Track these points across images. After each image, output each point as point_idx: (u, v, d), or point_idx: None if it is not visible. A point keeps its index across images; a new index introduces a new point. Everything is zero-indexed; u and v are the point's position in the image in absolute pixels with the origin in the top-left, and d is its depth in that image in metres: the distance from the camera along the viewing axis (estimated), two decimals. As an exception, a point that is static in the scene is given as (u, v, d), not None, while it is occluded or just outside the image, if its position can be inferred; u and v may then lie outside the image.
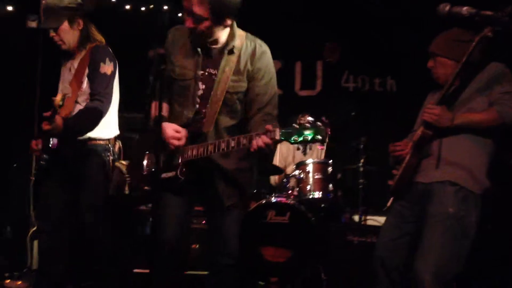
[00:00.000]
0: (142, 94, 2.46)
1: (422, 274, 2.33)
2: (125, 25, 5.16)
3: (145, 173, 2.46)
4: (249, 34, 2.45)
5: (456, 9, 2.27)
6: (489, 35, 2.24)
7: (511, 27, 2.16)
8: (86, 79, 2.95)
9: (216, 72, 2.37)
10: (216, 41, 2.38)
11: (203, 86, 2.39)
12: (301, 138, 2.02)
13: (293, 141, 2.03)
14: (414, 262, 2.41)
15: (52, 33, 2.90)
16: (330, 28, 5.57)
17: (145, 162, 2.47)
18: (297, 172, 4.22)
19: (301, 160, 4.78)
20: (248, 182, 2.50)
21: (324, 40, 5.73)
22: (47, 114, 2.76)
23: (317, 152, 5.07)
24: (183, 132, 2.34)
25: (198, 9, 2.21)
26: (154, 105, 2.30)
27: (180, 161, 2.33)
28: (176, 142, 2.32)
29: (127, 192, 2.62)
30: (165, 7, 5.40)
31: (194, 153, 2.30)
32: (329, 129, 2.03)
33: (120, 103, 3.14)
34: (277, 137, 2.07)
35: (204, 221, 3.98)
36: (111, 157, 3.02)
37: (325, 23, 5.54)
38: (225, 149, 2.20)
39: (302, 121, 5.30)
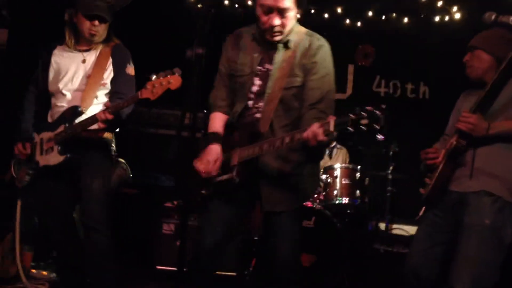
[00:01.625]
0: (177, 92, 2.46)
1: (458, 286, 2.29)
2: (158, 21, 5.17)
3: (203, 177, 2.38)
4: (308, 30, 2.42)
5: (503, 19, 2.21)
6: None
7: None
8: (109, 75, 2.93)
9: (271, 67, 2.33)
10: (286, 35, 2.34)
11: (260, 82, 2.35)
12: (358, 128, 1.86)
13: (349, 132, 1.89)
14: (450, 273, 2.37)
15: (100, 24, 2.87)
16: (362, 32, 5.50)
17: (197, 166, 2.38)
18: (324, 176, 4.17)
19: (326, 163, 4.75)
20: (302, 186, 2.37)
21: (356, 43, 5.66)
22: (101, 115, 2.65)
23: (343, 156, 5.01)
24: (217, 162, 2.29)
25: (288, 6, 2.23)
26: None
27: (235, 162, 2.28)
28: (204, 175, 2.29)
29: None
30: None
31: (249, 152, 2.23)
32: (388, 116, 1.85)
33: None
34: (331, 128, 1.93)
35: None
36: (114, 151, 2.98)
37: (358, 27, 5.48)
38: (280, 145, 2.11)
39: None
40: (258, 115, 2.32)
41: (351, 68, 5.72)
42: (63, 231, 2.95)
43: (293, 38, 2.34)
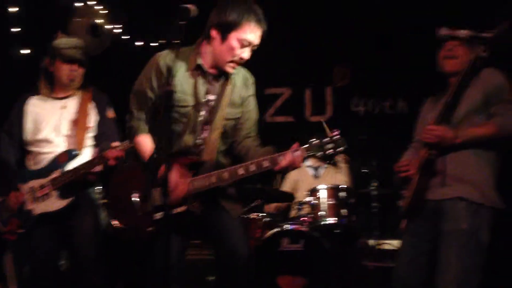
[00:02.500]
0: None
1: None
2: (137, 61, 5.27)
3: (140, 213, 2.33)
4: (239, 66, 2.50)
5: (455, 33, 2.31)
6: (483, 55, 2.27)
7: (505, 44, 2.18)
8: (94, 119, 3.02)
9: (214, 98, 2.43)
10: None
11: (204, 113, 2.41)
12: (324, 152, 2.14)
13: (319, 156, 2.12)
14: (434, 281, 2.42)
15: (78, 68, 2.98)
16: (338, 53, 5.63)
17: (134, 201, 2.34)
18: (309, 198, 4.22)
19: (312, 184, 4.80)
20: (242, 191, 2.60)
21: (332, 64, 5.79)
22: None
23: (331, 175, 5.04)
24: (187, 180, 2.28)
25: (258, 40, 2.38)
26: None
27: (187, 194, 2.26)
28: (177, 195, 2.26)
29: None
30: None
31: (205, 183, 2.25)
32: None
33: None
34: (305, 154, 2.16)
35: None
36: (100, 192, 3.05)
37: (333, 48, 5.62)
38: (245, 173, 2.21)
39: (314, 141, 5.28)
40: (202, 146, 2.40)
41: (329, 90, 5.83)
42: (52, 278, 2.95)
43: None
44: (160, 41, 5.53)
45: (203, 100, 2.41)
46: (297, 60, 5.66)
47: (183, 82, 2.38)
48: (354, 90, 5.77)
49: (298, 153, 2.16)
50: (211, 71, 2.43)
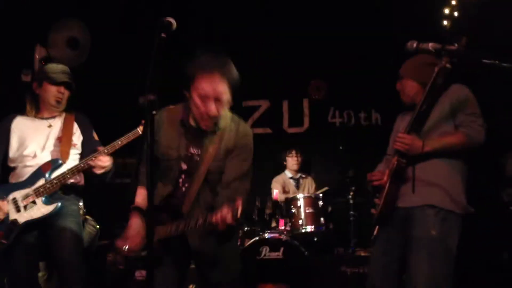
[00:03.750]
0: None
1: None
2: (114, 72, 5.31)
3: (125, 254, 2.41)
4: (234, 116, 2.48)
5: (423, 46, 2.44)
6: (447, 66, 2.40)
7: (467, 59, 2.32)
8: (79, 138, 3.11)
9: (199, 151, 2.39)
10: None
11: (185, 167, 2.41)
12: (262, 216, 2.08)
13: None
14: (405, 287, 2.49)
15: (65, 90, 3.08)
16: (314, 66, 5.78)
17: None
18: (289, 207, 4.31)
19: (294, 193, 4.93)
20: (224, 267, 2.46)
21: (309, 78, 5.94)
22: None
23: (310, 184, 5.23)
24: (138, 237, 2.33)
25: (225, 96, 2.29)
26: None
27: (155, 239, 2.26)
28: (124, 253, 2.32)
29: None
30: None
31: (166, 231, 2.31)
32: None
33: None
34: (239, 214, 2.10)
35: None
36: (83, 209, 3.09)
37: (309, 62, 5.76)
38: (194, 226, 2.22)
39: (289, 156, 5.38)
40: (182, 197, 2.39)
41: (306, 102, 5.98)
42: None
43: (221, 123, 2.39)
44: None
45: (184, 153, 2.41)
46: (275, 73, 5.78)
47: (169, 136, 2.43)
48: (331, 102, 5.93)
49: (224, 213, 2.12)
50: (196, 125, 2.41)
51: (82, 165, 2.89)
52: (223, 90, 2.28)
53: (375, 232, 2.77)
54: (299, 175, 5.31)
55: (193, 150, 2.41)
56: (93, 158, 2.87)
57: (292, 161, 5.29)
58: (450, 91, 2.64)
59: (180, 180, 2.42)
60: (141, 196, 2.46)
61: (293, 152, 5.29)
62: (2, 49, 4.24)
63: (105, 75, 5.17)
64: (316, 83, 5.98)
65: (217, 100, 2.28)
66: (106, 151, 2.87)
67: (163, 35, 2.14)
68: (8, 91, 3.23)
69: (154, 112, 1.98)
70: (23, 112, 3.12)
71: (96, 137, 3.18)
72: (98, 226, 3.37)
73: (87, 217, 3.24)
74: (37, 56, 4.26)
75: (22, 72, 3.15)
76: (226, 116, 2.42)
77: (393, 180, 2.61)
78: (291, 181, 5.30)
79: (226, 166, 2.39)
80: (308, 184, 5.27)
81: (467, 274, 3.41)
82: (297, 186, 5.24)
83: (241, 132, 2.43)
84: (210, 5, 5.54)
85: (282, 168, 5.41)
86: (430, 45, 2.41)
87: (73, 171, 2.90)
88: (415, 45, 2.45)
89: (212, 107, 2.28)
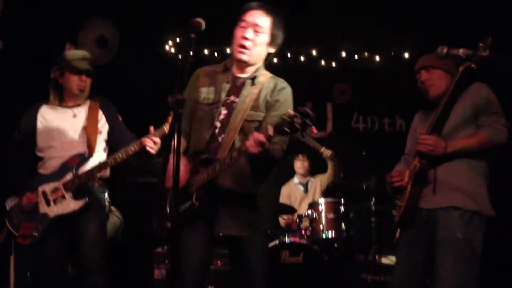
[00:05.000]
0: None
1: None
2: (142, 73, 5.38)
3: (169, 212, 2.47)
4: (273, 75, 2.56)
5: (454, 51, 2.41)
6: (472, 66, 2.37)
7: (496, 64, 2.29)
8: (104, 125, 3.12)
9: (237, 100, 2.46)
10: (251, 67, 2.48)
11: (225, 111, 2.46)
12: (292, 127, 2.05)
13: (286, 131, 2.05)
14: None
15: (86, 78, 3.09)
16: (338, 70, 5.75)
17: (168, 202, 2.48)
18: (309, 212, 4.28)
19: (303, 198, 4.88)
20: (256, 209, 2.43)
21: (333, 82, 5.91)
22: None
23: (319, 183, 5.12)
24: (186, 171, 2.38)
25: (265, 28, 2.42)
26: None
27: (194, 188, 2.37)
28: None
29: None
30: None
31: (204, 176, 2.34)
32: (311, 107, 2.06)
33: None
34: (270, 132, 2.11)
35: (219, 263, 4.03)
36: (108, 200, 3.10)
37: (333, 66, 5.73)
38: (230, 161, 2.24)
39: (296, 160, 5.26)
40: (217, 144, 2.41)
41: (329, 106, 5.93)
42: (57, 285, 2.95)
43: (260, 77, 2.49)
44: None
45: (224, 99, 2.47)
46: (298, 76, 5.76)
47: (210, 84, 2.52)
48: (354, 107, 5.88)
49: (255, 134, 2.14)
50: (238, 74, 2.51)
51: (110, 162, 2.90)
52: (264, 22, 2.41)
53: (397, 235, 2.75)
54: (307, 179, 5.23)
55: (233, 98, 2.47)
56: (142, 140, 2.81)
57: (298, 165, 5.20)
58: (471, 90, 2.61)
59: (218, 126, 2.44)
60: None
61: (300, 156, 5.20)
62: (33, 47, 4.34)
63: (134, 72, 5.24)
64: (340, 87, 5.94)
65: (255, 29, 2.41)
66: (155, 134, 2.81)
67: (192, 35, 2.17)
68: (38, 88, 3.26)
69: (180, 110, 2.01)
70: (47, 101, 3.13)
71: (120, 118, 3.19)
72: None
73: (112, 208, 3.27)
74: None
75: (51, 69, 3.17)
76: (265, 74, 2.52)
77: (415, 181, 2.59)
78: (299, 186, 5.20)
79: (266, 120, 2.40)
80: (317, 183, 5.16)
81: (492, 277, 3.34)
82: (306, 191, 5.17)
83: (279, 86, 2.50)
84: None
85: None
86: (461, 51, 2.38)
87: (100, 167, 2.92)
88: (445, 50, 2.42)
89: (249, 33, 2.40)
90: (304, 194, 5.13)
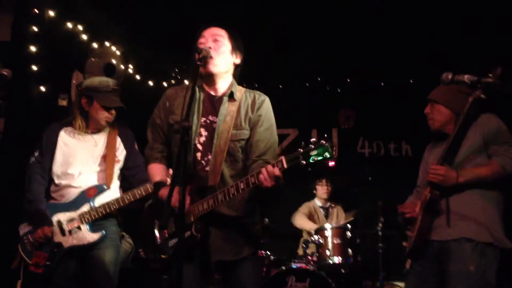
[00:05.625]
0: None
1: None
2: (149, 100, 5.42)
3: (159, 242, 2.37)
4: (247, 89, 2.50)
5: (459, 77, 2.42)
6: (482, 96, 2.38)
7: (502, 91, 2.30)
8: (122, 152, 3.10)
9: (216, 119, 2.37)
10: (222, 80, 2.42)
11: (205, 133, 2.37)
12: (310, 160, 1.98)
13: (303, 165, 1.99)
14: None
15: (114, 112, 3.07)
16: (344, 96, 5.78)
17: (156, 232, 2.40)
18: (316, 237, 4.26)
19: (323, 223, 4.87)
20: (254, 233, 2.39)
21: (338, 107, 5.94)
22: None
23: (338, 212, 5.15)
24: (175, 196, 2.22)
25: (223, 39, 2.39)
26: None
27: (192, 219, 2.26)
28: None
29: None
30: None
31: (204, 207, 2.24)
32: (334, 144, 2.02)
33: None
34: (285, 165, 2.03)
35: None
36: (120, 227, 3.08)
37: (339, 91, 5.77)
38: (235, 193, 2.14)
39: (319, 185, 5.28)
40: (207, 168, 2.33)
41: (335, 132, 5.96)
42: None
43: (236, 92, 2.42)
44: (172, 80, 5.73)
45: (201, 120, 2.38)
46: (304, 102, 5.81)
47: (182, 103, 2.35)
48: (360, 132, 5.91)
49: (270, 168, 2.04)
50: (212, 92, 2.43)
51: (127, 200, 2.90)
52: (220, 31, 2.40)
53: (407, 266, 2.72)
54: (328, 204, 5.28)
55: (211, 117, 2.39)
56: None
57: (322, 190, 5.26)
58: (480, 121, 2.62)
59: (200, 149, 2.35)
60: (159, 171, 2.43)
61: (323, 181, 5.27)
62: (41, 75, 4.40)
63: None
64: (345, 112, 5.98)
65: (214, 38, 2.38)
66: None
67: (198, 63, 2.21)
68: (46, 115, 3.29)
69: (186, 138, 2.01)
70: (66, 123, 3.10)
71: (136, 147, 3.16)
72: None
73: (123, 233, 3.24)
74: (74, 82, 4.38)
75: (59, 96, 3.21)
76: (240, 89, 2.46)
77: (426, 212, 2.57)
78: (321, 210, 5.26)
79: (253, 138, 2.36)
80: (337, 213, 5.21)
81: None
82: (326, 216, 5.19)
83: (259, 100, 2.44)
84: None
85: (311, 196, 5.38)
86: (466, 77, 2.39)
87: (118, 202, 2.90)
88: (450, 76, 2.44)
89: (209, 43, 2.36)
90: (324, 219, 5.16)
